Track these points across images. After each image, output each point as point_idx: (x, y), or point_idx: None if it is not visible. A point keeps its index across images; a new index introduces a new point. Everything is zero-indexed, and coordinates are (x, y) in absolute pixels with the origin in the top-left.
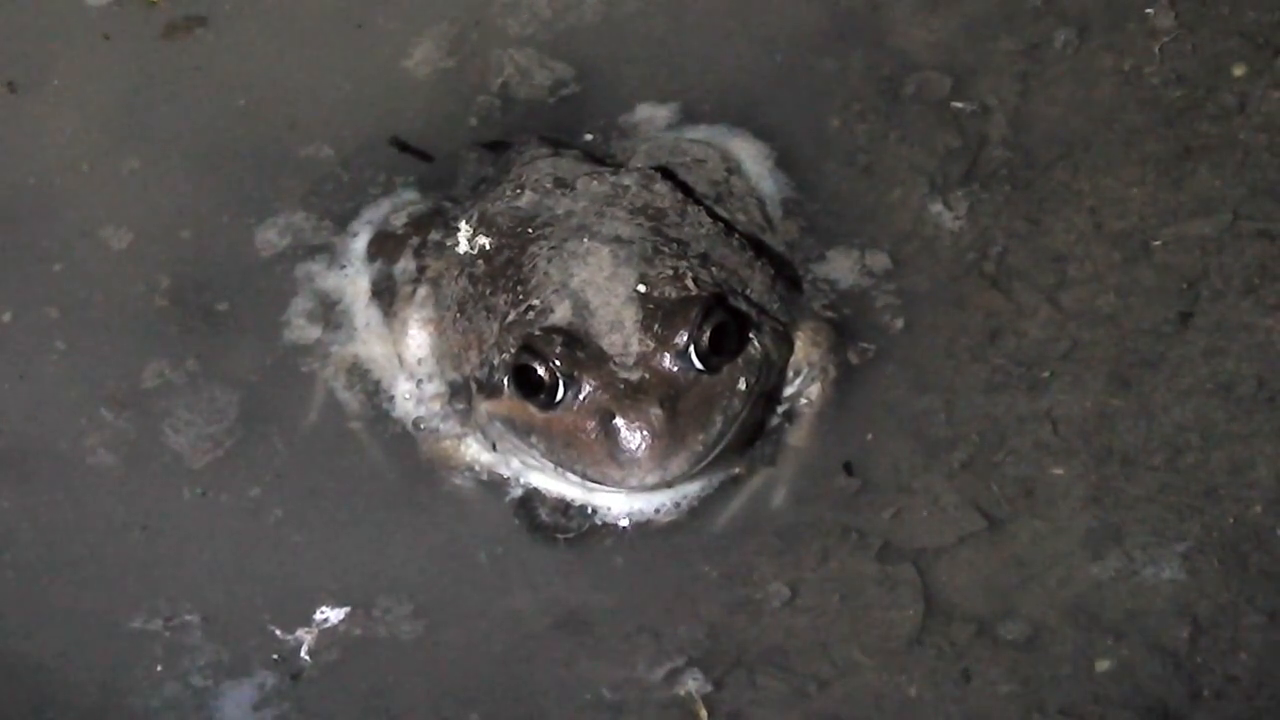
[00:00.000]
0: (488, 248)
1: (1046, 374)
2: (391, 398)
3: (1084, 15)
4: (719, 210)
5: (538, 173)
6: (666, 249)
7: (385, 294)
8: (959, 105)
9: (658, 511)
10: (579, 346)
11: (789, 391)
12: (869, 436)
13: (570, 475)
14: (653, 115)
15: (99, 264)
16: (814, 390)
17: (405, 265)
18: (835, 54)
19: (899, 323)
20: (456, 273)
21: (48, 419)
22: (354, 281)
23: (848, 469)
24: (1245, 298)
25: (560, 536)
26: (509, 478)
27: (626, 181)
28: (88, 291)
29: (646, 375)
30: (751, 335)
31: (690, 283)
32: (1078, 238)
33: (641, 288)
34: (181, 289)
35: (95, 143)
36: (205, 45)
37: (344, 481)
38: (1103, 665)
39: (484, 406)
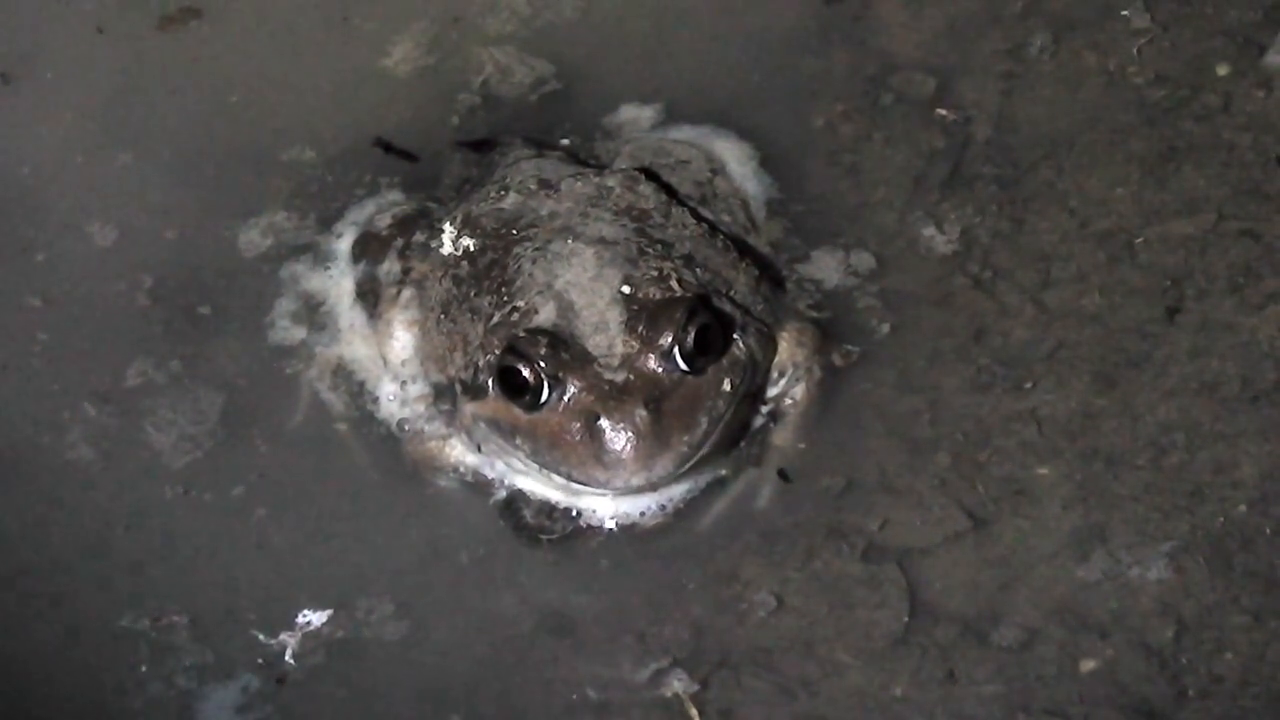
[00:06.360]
0: (472, 249)
1: (1031, 375)
2: (376, 399)
3: (1067, 16)
4: (703, 211)
5: (522, 174)
6: (651, 250)
7: (370, 295)
8: (943, 113)
9: (643, 514)
10: (564, 348)
11: (773, 392)
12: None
13: (555, 477)
14: (636, 116)
15: (83, 259)
16: (798, 391)
17: (390, 266)
18: (819, 54)
19: (883, 323)
20: (441, 274)
21: (30, 411)
22: (338, 283)
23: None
24: (1230, 297)
25: (545, 538)
26: (494, 479)
27: (610, 183)
28: (71, 285)
29: (631, 376)
30: (736, 336)
31: (675, 284)
32: (1062, 237)
33: (626, 289)
34: (165, 289)
35: (88, 136)
36: (200, 38)
37: (328, 483)
38: (1088, 665)
39: (469, 408)
